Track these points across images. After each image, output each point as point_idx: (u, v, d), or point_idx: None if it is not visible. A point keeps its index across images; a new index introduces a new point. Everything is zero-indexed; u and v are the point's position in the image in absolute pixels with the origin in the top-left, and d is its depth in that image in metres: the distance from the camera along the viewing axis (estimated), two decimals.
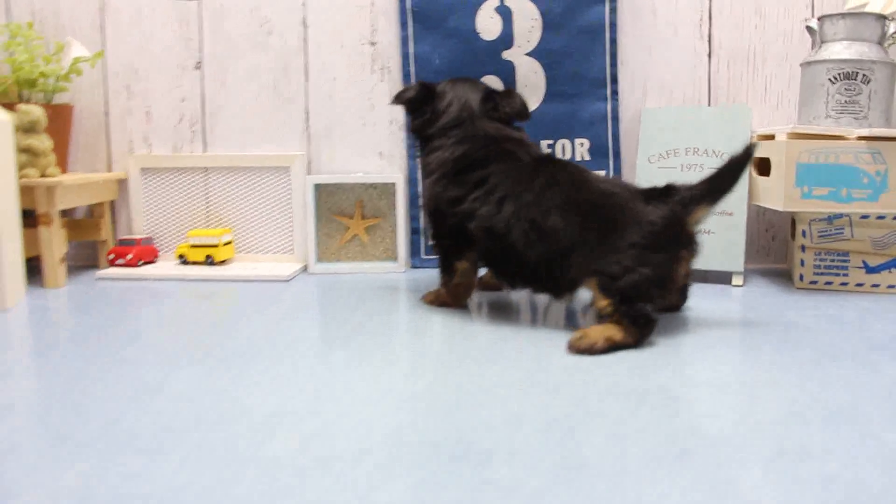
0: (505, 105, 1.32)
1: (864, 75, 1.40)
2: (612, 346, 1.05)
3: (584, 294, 1.16)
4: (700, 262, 1.26)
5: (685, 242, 1.14)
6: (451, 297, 1.33)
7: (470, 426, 0.78)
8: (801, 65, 1.49)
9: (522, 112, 1.34)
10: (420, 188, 1.69)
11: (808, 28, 1.49)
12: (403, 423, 0.79)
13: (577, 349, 1.04)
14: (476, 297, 1.40)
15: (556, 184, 1.18)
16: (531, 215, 1.15)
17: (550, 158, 1.33)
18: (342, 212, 1.72)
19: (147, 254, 1.71)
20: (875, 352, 1.05)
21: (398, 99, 1.37)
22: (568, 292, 1.18)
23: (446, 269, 1.31)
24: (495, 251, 1.22)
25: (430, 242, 1.32)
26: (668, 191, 1.14)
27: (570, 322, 1.24)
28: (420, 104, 1.34)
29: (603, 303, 1.08)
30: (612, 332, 1.06)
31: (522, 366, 0.99)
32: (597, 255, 1.10)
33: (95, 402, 0.86)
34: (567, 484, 0.64)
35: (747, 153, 1.14)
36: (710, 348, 1.07)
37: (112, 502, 0.62)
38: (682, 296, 1.28)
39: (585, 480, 0.65)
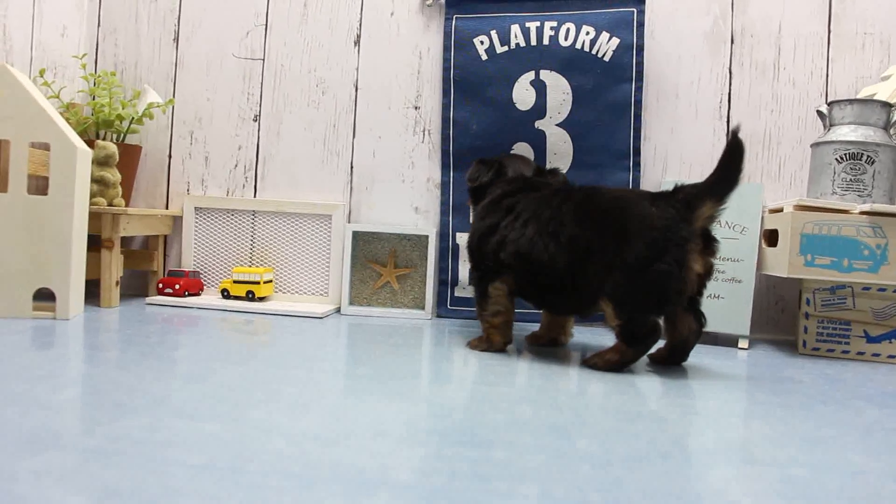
0: (550, 176, 1.53)
1: (868, 156, 1.51)
2: (610, 367, 1.24)
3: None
4: (709, 326, 1.39)
5: (693, 237, 1.19)
6: (491, 331, 1.38)
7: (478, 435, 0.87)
8: (812, 145, 1.60)
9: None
10: (451, 242, 1.82)
11: (819, 112, 1.61)
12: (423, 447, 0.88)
13: (588, 364, 1.26)
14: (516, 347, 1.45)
15: (569, 199, 1.31)
16: (550, 229, 1.28)
17: (571, 186, 1.41)
18: (376, 260, 1.85)
19: (193, 286, 1.84)
20: (861, 400, 1.11)
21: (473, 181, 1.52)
22: (589, 306, 1.28)
23: (482, 295, 1.39)
24: (525, 274, 1.32)
25: (469, 278, 1.47)
26: (675, 192, 1.23)
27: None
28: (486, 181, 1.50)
29: (613, 322, 1.23)
30: (610, 354, 1.25)
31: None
32: (611, 267, 1.20)
33: (141, 384, 0.97)
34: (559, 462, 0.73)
35: (735, 138, 1.18)
36: (711, 387, 1.15)
37: (152, 447, 0.73)
38: (684, 353, 1.32)
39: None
